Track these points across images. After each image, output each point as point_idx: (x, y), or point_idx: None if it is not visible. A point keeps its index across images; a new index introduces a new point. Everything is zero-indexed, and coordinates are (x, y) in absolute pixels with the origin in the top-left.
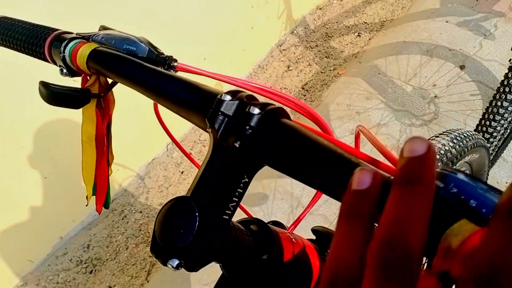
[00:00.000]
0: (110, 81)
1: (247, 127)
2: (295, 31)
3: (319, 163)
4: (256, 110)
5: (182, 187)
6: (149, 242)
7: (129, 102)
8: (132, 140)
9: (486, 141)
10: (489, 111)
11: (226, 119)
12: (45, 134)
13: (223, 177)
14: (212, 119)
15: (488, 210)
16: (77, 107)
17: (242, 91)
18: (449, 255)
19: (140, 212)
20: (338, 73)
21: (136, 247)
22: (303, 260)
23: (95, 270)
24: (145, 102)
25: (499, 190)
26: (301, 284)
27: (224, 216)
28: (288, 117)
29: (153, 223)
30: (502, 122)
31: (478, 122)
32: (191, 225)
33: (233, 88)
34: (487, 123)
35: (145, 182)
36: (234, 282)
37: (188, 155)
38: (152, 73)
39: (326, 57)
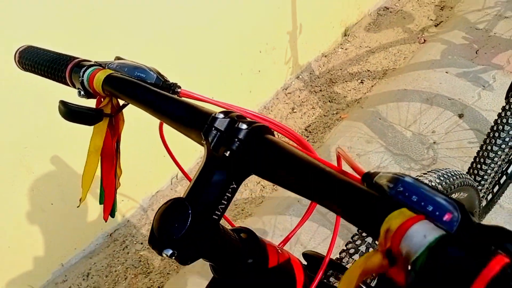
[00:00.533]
0: (121, 103)
1: (236, 140)
2: (300, 76)
3: (296, 171)
4: (244, 126)
5: None
6: (148, 273)
7: (136, 135)
8: (138, 172)
9: (477, 183)
10: (480, 155)
11: (218, 133)
12: (55, 162)
13: (214, 182)
14: (207, 133)
15: (426, 203)
16: (90, 124)
17: (234, 112)
18: (389, 235)
19: (141, 243)
20: (340, 117)
21: (135, 277)
22: (287, 268)
23: None
24: (152, 136)
25: (439, 191)
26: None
27: (213, 216)
28: (272, 134)
29: (153, 255)
30: (492, 165)
31: (469, 165)
32: (185, 221)
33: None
34: (478, 166)
35: (148, 214)
36: (222, 284)
37: (185, 174)
38: (157, 96)
39: (329, 101)
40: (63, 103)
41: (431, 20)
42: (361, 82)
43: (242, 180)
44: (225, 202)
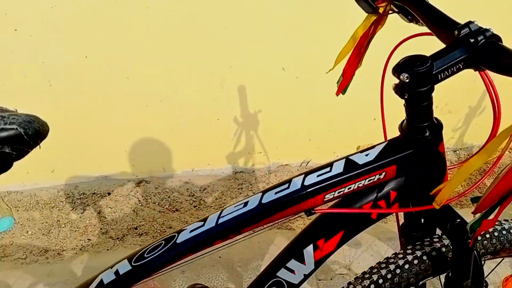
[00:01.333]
0: (390, 11)
1: (482, 35)
2: (458, 151)
3: None
4: (492, 29)
5: None
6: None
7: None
8: (284, 138)
9: None
10: None
11: (468, 31)
12: (240, 91)
13: (451, 56)
14: (461, 29)
15: None
16: (366, 12)
17: None
18: None
19: (253, 193)
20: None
21: None
22: (444, 164)
23: (198, 208)
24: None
25: None
26: (438, 172)
27: (438, 75)
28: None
29: None
30: None
31: None
32: (425, 64)
33: None
34: None
35: (270, 176)
36: (400, 141)
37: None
38: (426, 4)
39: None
40: None
41: None
42: None
43: (467, 67)
44: (449, 72)
